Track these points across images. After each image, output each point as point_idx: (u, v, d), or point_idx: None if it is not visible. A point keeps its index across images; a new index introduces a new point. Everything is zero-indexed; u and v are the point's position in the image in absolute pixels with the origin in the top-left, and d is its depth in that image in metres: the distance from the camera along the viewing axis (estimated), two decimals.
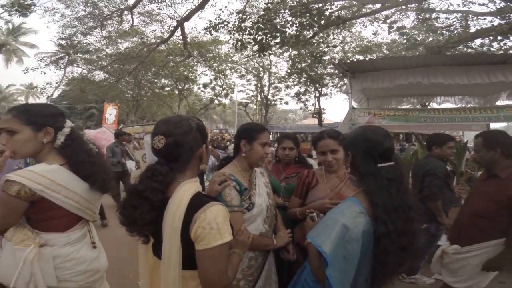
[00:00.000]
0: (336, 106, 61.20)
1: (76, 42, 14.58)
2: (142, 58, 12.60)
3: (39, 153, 1.26)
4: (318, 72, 15.18)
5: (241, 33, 6.99)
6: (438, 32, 8.54)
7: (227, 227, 0.93)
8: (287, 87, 19.49)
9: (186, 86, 20.49)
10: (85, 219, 1.39)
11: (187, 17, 7.93)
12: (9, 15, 8.33)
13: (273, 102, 21.57)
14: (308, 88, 17.94)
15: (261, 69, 19.99)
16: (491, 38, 7.46)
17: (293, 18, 6.44)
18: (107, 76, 17.87)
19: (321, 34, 8.56)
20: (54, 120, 1.29)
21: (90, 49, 15.95)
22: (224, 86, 20.11)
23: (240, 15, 7.21)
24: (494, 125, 6.38)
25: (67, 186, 1.25)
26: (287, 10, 6.53)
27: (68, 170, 1.28)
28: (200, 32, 15.34)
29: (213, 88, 20.22)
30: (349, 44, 14.94)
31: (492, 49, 7.66)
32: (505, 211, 1.93)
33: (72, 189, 1.27)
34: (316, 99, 18.19)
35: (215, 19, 7.56)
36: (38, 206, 1.21)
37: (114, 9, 11.02)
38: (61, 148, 1.29)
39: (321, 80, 15.99)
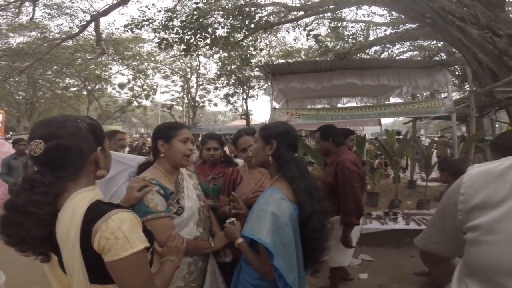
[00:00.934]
0: (262, 107, 64.86)
1: None
2: (40, 54, 11.10)
3: None
4: (246, 74, 16.01)
5: (168, 32, 6.98)
6: (345, 39, 10.09)
7: (137, 234, 0.87)
8: (216, 88, 19.82)
9: (98, 86, 18.79)
10: None
11: (105, 12, 7.43)
12: None
13: (201, 104, 21.60)
14: (237, 90, 18.64)
15: (188, 70, 19.81)
16: (383, 46, 9.22)
17: (225, 20, 6.78)
18: None
19: (250, 38, 9.05)
20: None
21: None
22: (144, 87, 19.20)
23: (169, 13, 7.16)
24: (384, 120, 7.99)
25: None
26: (220, 11, 6.82)
27: None
28: (118, 29, 14.43)
29: (131, 89, 19.12)
30: (274, 48, 16.21)
31: (382, 55, 9.45)
32: (332, 193, 2.43)
33: None
34: (244, 100, 19.05)
35: (139, 16, 7.38)
36: None
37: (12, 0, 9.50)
38: None
39: (249, 82, 16.87)
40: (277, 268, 1.11)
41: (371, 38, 10.84)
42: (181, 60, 18.45)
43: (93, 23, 7.91)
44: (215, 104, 22.36)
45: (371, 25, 11.00)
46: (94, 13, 8.24)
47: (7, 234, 0.84)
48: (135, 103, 20.43)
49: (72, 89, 19.10)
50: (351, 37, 10.14)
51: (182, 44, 6.98)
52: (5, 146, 6.25)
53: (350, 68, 4.96)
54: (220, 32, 7.05)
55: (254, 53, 11.79)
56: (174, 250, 1.16)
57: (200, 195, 1.63)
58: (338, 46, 10.96)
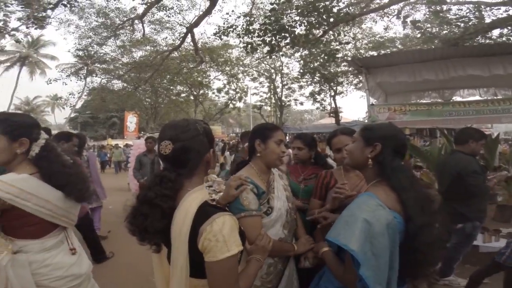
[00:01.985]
0: (353, 104, 59.99)
1: (92, 52, 14.89)
2: (156, 66, 12.77)
3: (11, 163, 1.27)
4: (332, 70, 14.87)
5: (250, 36, 6.97)
6: (453, 24, 8.15)
7: (234, 238, 0.89)
8: (300, 87, 19.25)
9: (201, 91, 20.67)
10: (62, 226, 1.41)
11: (196, 23, 7.94)
12: (27, 28, 8.73)
13: (287, 103, 21.35)
14: (323, 87, 17.62)
15: (272, 71, 19.88)
16: (510, 27, 7.02)
17: (301, 18, 6.35)
18: (125, 85, 18.30)
19: (331, 32, 8.39)
20: (30, 132, 1.30)
21: (107, 58, 16.27)
22: (237, 90, 20.14)
23: (248, 18, 7.19)
24: None
25: (36, 194, 1.26)
26: (294, 10, 6.46)
27: (38, 179, 1.29)
28: (210, 38, 15.43)
29: (227, 92, 20.32)
30: (360, 40, 14.58)
31: None
32: None
33: (43, 197, 1.28)
34: (332, 98, 17.80)
35: (223, 23, 7.59)
36: (10, 214, 1.24)
37: (125, 19, 11.22)
38: (36, 159, 1.30)
39: (335, 78, 15.65)
40: (363, 278, 0.96)
41: (488, 20, 8.49)
42: (265, 62, 18.55)
43: (189, 35, 8.50)
44: (301, 103, 21.59)
45: (482, 6, 8.61)
46: (188, 25, 8.85)
47: (134, 224, 0.93)
48: (230, 105, 21.69)
49: (182, 95, 21.57)
50: (459, 20, 8.13)
51: (266, 46, 6.82)
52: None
53: (470, 56, 3.75)
54: (299, 30, 6.66)
55: (339, 47, 10.79)
56: (261, 249, 1.14)
57: (289, 197, 1.56)
58: (445, 32, 8.95)
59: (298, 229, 1.61)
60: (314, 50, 11.09)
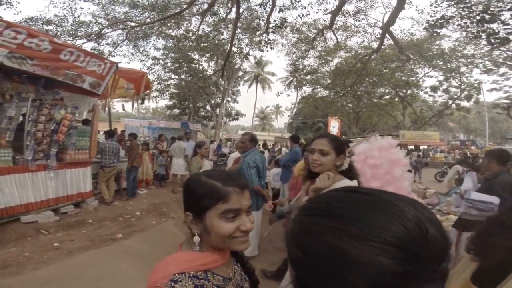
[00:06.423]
0: None
1: (298, 65, 16.96)
2: (359, 71, 12.40)
3: (330, 171, 1.60)
4: None
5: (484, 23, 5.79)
6: None
7: None
8: None
9: (409, 92, 17.76)
10: None
11: (390, 21, 6.94)
12: (260, 50, 11.49)
13: None
14: None
15: None
16: None
17: None
18: (328, 92, 19.31)
19: None
20: (344, 149, 1.66)
21: (310, 70, 17.91)
22: (463, 86, 15.35)
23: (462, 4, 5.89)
24: None
25: None
26: None
27: None
28: (412, 33, 13.09)
29: (446, 91, 16.09)
30: None
31: None
32: None
33: None
34: None
35: (431, 16, 6.65)
36: None
37: (315, 31, 11.88)
38: (345, 171, 1.62)
39: None
40: None
41: None
42: (502, 48, 12.52)
43: (386, 34, 7.66)
44: None
45: None
46: (379, 25, 7.89)
47: (477, 241, 1.04)
48: (453, 106, 17.08)
49: (386, 97, 19.67)
50: None
51: None
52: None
53: None
54: None
55: None
56: None
57: None
58: None
59: None
60: None
